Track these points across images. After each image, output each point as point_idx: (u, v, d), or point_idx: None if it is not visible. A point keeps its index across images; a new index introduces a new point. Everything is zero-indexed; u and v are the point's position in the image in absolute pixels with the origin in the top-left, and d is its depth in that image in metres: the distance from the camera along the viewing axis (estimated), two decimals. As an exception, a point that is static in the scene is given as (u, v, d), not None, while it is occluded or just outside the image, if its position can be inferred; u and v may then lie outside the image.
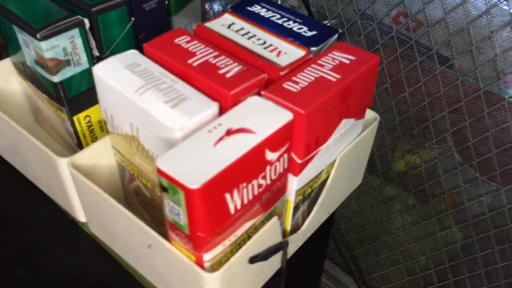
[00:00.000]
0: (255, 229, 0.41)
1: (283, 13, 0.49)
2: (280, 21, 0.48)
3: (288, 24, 0.47)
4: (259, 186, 0.37)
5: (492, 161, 0.64)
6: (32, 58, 0.49)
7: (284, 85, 0.40)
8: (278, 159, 0.38)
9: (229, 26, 0.47)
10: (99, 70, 0.41)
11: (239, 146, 0.34)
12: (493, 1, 0.56)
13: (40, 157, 0.48)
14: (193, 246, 0.36)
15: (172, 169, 0.32)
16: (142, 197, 0.48)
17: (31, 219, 0.55)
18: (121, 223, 0.43)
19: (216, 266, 0.38)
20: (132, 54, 0.43)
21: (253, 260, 0.41)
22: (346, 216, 0.92)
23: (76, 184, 0.46)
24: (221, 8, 0.88)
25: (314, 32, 0.46)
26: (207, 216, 0.34)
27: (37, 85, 0.52)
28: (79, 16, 0.47)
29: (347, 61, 0.43)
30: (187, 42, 0.44)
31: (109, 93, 0.41)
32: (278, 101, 0.38)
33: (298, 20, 0.48)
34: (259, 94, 0.40)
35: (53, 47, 0.46)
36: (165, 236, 0.39)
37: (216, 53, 0.42)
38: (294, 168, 0.41)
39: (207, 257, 0.37)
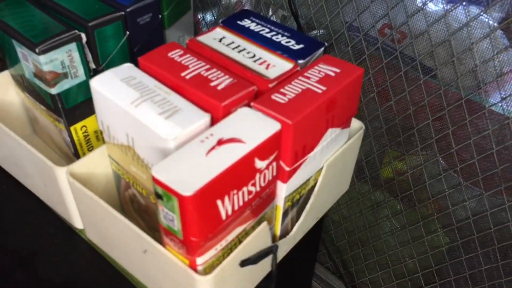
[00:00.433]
0: (245, 234, 0.43)
1: (272, 27, 0.51)
2: (269, 35, 0.50)
3: (277, 38, 0.50)
4: (249, 193, 0.39)
5: (475, 167, 0.67)
6: (30, 71, 0.50)
7: (273, 97, 0.42)
8: (267, 167, 0.40)
9: (220, 40, 0.49)
10: (96, 83, 0.43)
11: (230, 155, 0.36)
12: (473, 13, 0.59)
13: (38, 166, 0.50)
14: (186, 250, 0.38)
15: (167, 177, 0.34)
16: (137, 204, 0.50)
17: (29, 226, 0.57)
18: (117, 229, 0.45)
19: (208, 269, 0.40)
20: (127, 67, 0.45)
21: (244, 263, 0.43)
22: (336, 222, 0.94)
23: (73, 192, 0.48)
24: (213, 19, 0.91)
25: (301, 46, 0.49)
26: (199, 221, 0.36)
27: (35, 96, 0.54)
28: (76, 31, 0.49)
29: (332, 74, 0.45)
30: (180, 55, 0.46)
31: (106, 105, 0.43)
32: (267, 112, 0.40)
33: (286, 33, 0.50)
34: (249, 105, 0.42)
35: (51, 61, 0.48)
36: (160, 241, 0.41)
37: (208, 66, 0.45)
38: (283, 176, 0.43)
39: (200, 261, 0.39)
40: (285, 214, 0.48)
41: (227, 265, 0.40)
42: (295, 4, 0.73)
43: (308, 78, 0.44)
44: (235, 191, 0.37)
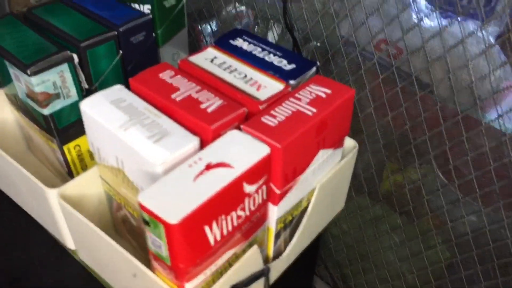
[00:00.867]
0: (236, 257, 0.42)
1: (264, 46, 0.51)
2: (261, 55, 0.50)
3: (269, 58, 0.49)
4: (238, 217, 0.39)
5: (473, 183, 0.66)
6: (23, 92, 0.50)
7: (263, 119, 0.42)
8: (256, 191, 0.39)
9: (212, 60, 0.49)
10: (86, 106, 0.43)
11: (218, 180, 0.36)
12: (469, 30, 0.59)
13: (31, 187, 0.50)
14: (175, 276, 0.38)
15: (153, 204, 0.34)
16: (129, 225, 0.50)
17: (22, 245, 0.56)
18: (108, 252, 0.44)
19: (198, 294, 0.40)
20: (117, 89, 0.45)
21: None
22: (335, 236, 0.93)
23: (64, 214, 0.48)
24: (216, 29, 0.90)
25: (293, 65, 0.48)
26: (187, 248, 0.35)
27: (29, 116, 0.54)
28: (68, 51, 0.49)
29: (323, 95, 0.44)
30: (171, 77, 0.46)
31: (95, 128, 0.43)
32: (256, 135, 0.40)
33: (278, 53, 0.50)
34: (239, 127, 0.42)
35: (43, 82, 0.48)
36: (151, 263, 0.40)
37: (198, 88, 0.44)
38: (274, 198, 0.43)
39: (189, 286, 0.38)
40: (277, 235, 0.47)
41: (217, 289, 0.40)
42: (290, 19, 0.72)
43: (299, 99, 0.44)
44: (223, 217, 0.37)
